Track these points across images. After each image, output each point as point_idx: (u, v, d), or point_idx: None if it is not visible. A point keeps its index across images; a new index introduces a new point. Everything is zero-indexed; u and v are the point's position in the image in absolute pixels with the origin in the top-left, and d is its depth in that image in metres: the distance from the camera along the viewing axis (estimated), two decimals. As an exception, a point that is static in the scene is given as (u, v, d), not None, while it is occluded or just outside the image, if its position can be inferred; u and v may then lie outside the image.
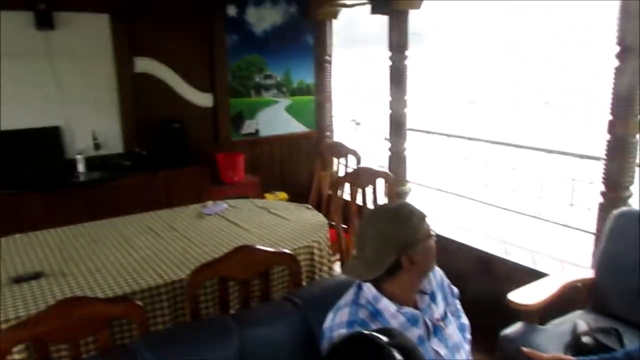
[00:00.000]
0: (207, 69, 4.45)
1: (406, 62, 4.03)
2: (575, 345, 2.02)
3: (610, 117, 2.64)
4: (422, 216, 1.44)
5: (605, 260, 2.41)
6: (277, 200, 4.42)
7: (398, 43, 4.00)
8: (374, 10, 3.96)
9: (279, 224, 2.78)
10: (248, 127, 4.79)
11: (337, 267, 2.96)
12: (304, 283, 2.38)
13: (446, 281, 1.63)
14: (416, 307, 1.46)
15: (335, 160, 3.78)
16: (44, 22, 3.61)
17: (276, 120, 4.93)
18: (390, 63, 4.08)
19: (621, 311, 2.26)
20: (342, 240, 2.91)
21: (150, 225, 2.78)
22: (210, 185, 4.19)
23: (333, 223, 2.99)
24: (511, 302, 2.21)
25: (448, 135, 4.11)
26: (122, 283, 2.06)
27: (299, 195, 4.36)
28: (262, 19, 4.66)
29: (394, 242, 1.38)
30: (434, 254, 1.46)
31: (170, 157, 4.07)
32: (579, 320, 2.12)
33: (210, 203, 3.10)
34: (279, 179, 4.90)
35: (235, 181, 4.40)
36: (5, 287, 2.02)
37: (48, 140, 3.78)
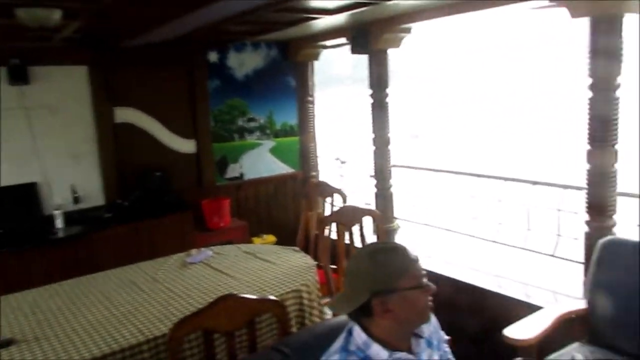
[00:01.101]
0: (189, 115, 4.46)
1: (387, 99, 4.10)
2: (574, 380, 1.97)
3: (588, 147, 2.68)
4: (406, 265, 1.35)
5: (595, 290, 2.39)
6: (264, 243, 4.36)
7: (379, 81, 4.07)
8: (354, 50, 4.03)
9: (265, 269, 2.72)
10: (232, 171, 4.77)
11: (328, 309, 2.89)
12: (294, 329, 2.32)
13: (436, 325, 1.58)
14: (410, 352, 1.41)
15: (321, 200, 3.76)
16: (18, 77, 3.55)
17: (260, 162, 4.92)
18: (371, 100, 4.14)
19: (616, 342, 2.23)
20: (331, 281, 2.85)
21: (132, 278, 2.70)
22: (195, 232, 4.12)
23: (321, 264, 2.94)
24: (507, 337, 2.16)
25: (435, 170, 4.13)
26: (101, 343, 1.97)
27: (287, 237, 4.31)
28: (244, 64, 4.72)
29: (365, 282, 1.34)
30: (418, 308, 1.35)
31: (153, 206, 4.00)
32: (577, 353, 2.08)
33: (194, 251, 3.04)
34: (266, 222, 4.85)
35: (221, 227, 4.34)
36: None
37: (25, 197, 3.67)
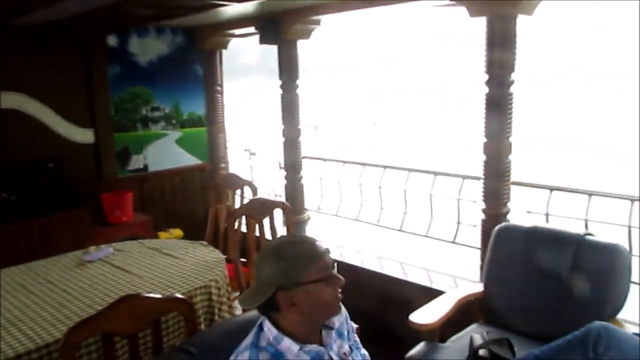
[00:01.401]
0: (86, 102, 4.14)
1: (297, 90, 4.08)
2: (473, 359, 2.09)
3: (485, 140, 2.85)
4: (312, 258, 1.34)
5: (491, 273, 2.55)
6: (171, 238, 4.18)
7: (289, 72, 4.04)
8: (263, 40, 3.97)
9: (172, 265, 2.60)
10: (136, 162, 4.51)
11: (238, 305, 2.83)
12: (202, 326, 2.25)
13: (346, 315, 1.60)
14: (321, 344, 1.41)
15: (230, 192, 3.67)
16: None
17: (166, 153, 4.70)
18: (281, 92, 4.11)
19: (510, 321, 2.40)
20: (241, 275, 2.79)
21: (20, 280, 2.44)
22: (95, 228, 3.86)
23: (231, 258, 2.87)
24: (412, 322, 2.24)
25: (344, 162, 4.19)
26: (-18, 354, 1.77)
27: (195, 231, 4.15)
28: (147, 50, 4.46)
29: (270, 277, 1.33)
30: (325, 301, 1.34)
31: (46, 201, 3.67)
32: (475, 334, 2.21)
33: (93, 248, 2.83)
34: (173, 216, 4.66)
35: (124, 221, 4.10)
36: None
37: None
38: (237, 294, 2.84)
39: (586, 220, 2.81)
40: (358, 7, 3.38)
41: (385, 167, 3.87)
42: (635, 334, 1.78)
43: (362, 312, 1.65)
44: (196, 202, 4.82)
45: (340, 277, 1.37)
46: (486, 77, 2.81)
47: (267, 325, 1.37)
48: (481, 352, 2.10)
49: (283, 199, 4.31)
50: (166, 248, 2.86)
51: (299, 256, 1.34)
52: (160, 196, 4.65)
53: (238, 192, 3.62)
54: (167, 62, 4.58)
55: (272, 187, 4.71)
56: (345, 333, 1.51)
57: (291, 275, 1.31)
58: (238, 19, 4.17)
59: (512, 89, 2.76)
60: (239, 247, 2.81)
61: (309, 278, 1.32)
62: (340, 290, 1.39)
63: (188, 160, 4.84)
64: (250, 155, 4.93)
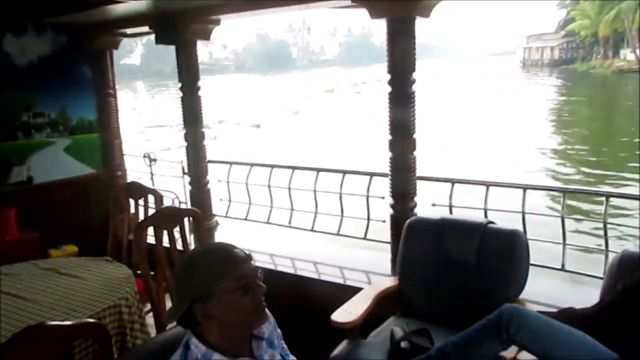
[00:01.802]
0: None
1: (199, 92, 3.94)
2: (396, 352, 2.15)
3: (390, 137, 2.95)
4: (226, 267, 1.28)
5: (404, 267, 2.65)
6: (65, 255, 3.83)
7: (189, 73, 3.88)
8: (159, 41, 3.77)
9: (73, 286, 2.37)
10: (17, 175, 4.07)
11: (150, 320, 2.66)
12: (114, 349, 2.07)
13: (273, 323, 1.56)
14: (252, 355, 1.36)
15: (132, 202, 3.43)
16: None
17: (54, 163, 4.29)
18: (181, 94, 3.94)
19: (426, 311, 2.51)
20: (152, 289, 2.63)
21: None
22: (-28, 250, 3.42)
23: (139, 272, 2.69)
24: (334, 322, 2.25)
25: (251, 165, 4.11)
26: None
27: (91, 246, 3.83)
28: (25, 50, 4.03)
29: (185, 290, 1.29)
30: (242, 310, 1.28)
31: None
32: (395, 327, 2.27)
33: (-27, 275, 2.50)
34: (65, 231, 4.25)
35: (7, 240, 3.67)
36: None
37: None
38: (149, 307, 2.67)
39: (485, 210, 3.02)
40: (257, 8, 3.34)
41: (294, 168, 3.85)
42: (539, 311, 1.94)
43: (281, 317, 1.61)
44: (91, 214, 4.46)
45: (261, 284, 1.32)
46: (389, 76, 2.90)
47: (194, 343, 1.30)
48: (402, 344, 2.16)
49: (188, 206, 4.14)
50: (64, 267, 2.61)
51: (212, 266, 1.28)
52: (49, 210, 4.23)
53: (141, 201, 3.40)
54: (50, 63, 4.17)
55: (176, 194, 4.49)
56: (276, 341, 1.48)
57: (205, 287, 1.26)
58: (130, 17, 3.92)
59: (414, 87, 2.88)
60: (147, 259, 2.64)
61: (224, 288, 1.26)
62: (263, 298, 1.34)
63: (80, 169, 4.46)
64: (150, 161, 4.65)
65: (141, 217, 3.32)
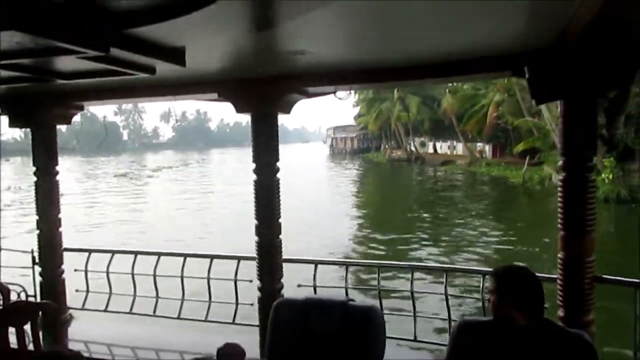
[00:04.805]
0: None
1: (58, 176, 3.77)
2: None
3: (256, 223, 3.10)
4: None
5: (273, 347, 2.69)
6: None
7: (47, 158, 3.71)
8: (13, 124, 3.60)
9: None
10: None
11: None
12: None
13: None
14: None
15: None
16: None
17: None
18: (35, 178, 3.73)
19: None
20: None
21: None
22: None
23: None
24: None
25: (113, 252, 3.92)
26: None
27: None
28: None
29: None
30: None
31: None
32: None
33: None
34: None
35: None
36: None
37: None
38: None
39: (346, 288, 3.23)
40: (121, 97, 3.37)
41: (159, 254, 3.77)
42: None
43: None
44: None
45: None
46: (254, 165, 3.10)
47: None
48: None
49: (38, 299, 3.77)
50: None
51: None
52: None
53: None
54: None
55: (22, 287, 4.06)
56: None
57: None
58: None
59: (278, 175, 3.10)
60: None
61: None
62: None
63: None
64: (-7, 251, 4.18)
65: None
